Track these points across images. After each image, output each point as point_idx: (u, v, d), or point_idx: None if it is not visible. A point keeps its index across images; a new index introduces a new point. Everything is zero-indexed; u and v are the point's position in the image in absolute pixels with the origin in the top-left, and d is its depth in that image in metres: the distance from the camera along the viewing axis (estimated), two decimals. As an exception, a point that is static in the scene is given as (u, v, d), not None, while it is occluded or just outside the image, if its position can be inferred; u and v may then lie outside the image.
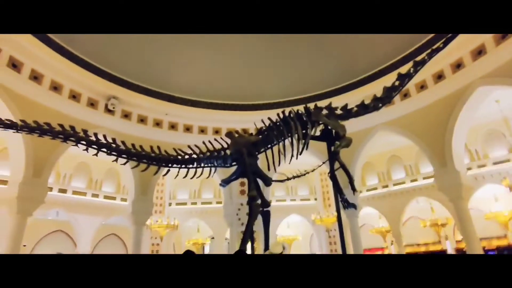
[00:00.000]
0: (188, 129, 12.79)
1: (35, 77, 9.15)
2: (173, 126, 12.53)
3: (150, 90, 12.04)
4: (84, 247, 14.76)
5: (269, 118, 5.23)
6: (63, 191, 14.09)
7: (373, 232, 16.03)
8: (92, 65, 10.49)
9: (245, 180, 4.83)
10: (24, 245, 9.11)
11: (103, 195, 15.45)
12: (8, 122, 4.28)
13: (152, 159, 4.80)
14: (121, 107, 11.25)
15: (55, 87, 9.64)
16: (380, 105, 5.64)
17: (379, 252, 16.76)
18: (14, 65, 8.63)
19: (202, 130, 12.90)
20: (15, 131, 4.26)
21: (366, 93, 10.32)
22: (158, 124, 12.27)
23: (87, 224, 14.78)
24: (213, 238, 17.78)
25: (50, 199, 10.28)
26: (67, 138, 4.32)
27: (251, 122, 10.71)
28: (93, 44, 10.38)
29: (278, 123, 5.13)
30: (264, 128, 5.23)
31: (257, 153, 5.13)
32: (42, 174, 9.10)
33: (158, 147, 4.82)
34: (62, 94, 9.83)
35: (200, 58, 12.36)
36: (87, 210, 14.59)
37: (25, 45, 8.55)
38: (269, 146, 5.18)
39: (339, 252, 13.86)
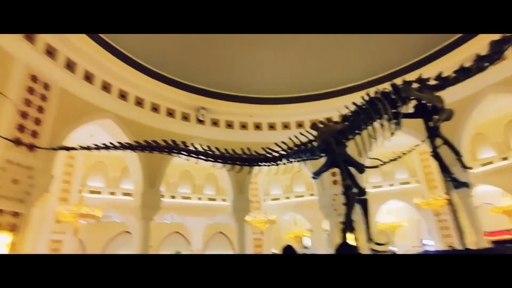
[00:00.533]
0: (272, 127, 13.13)
1: (138, 102, 10.72)
2: (258, 126, 13.03)
3: (232, 96, 12.78)
4: (196, 245, 16.58)
5: (353, 103, 5.00)
6: (173, 197, 16.06)
7: (495, 212, 13.60)
8: (181, 82, 11.69)
9: (337, 170, 4.73)
10: (151, 245, 10.83)
11: (206, 197, 17.06)
12: (126, 144, 5.14)
13: (245, 161, 5.10)
14: (209, 116, 12.26)
15: (155, 108, 11.09)
16: (487, 64, 4.83)
17: (506, 236, 14.18)
18: (123, 95, 10.24)
19: (286, 126, 13.07)
20: (131, 150, 5.13)
21: (459, 56, 8.95)
22: (244, 126, 12.92)
23: (196, 225, 16.56)
24: (311, 230, 17.86)
25: (164, 205, 11.85)
26: (171, 150, 4.95)
27: (333, 110, 10.39)
28: (176, 64, 11.54)
29: (364, 106, 4.87)
30: (349, 113, 5.02)
31: (345, 140, 4.96)
32: (155, 184, 10.58)
33: (248, 149, 5.09)
34: (160, 113, 11.24)
35: (271, 57, 12.54)
36: (194, 212, 16.32)
37: (127, 77, 10.10)
38: (357, 131, 4.95)
39: (454, 238, 12.33)
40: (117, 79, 10.02)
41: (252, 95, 13.06)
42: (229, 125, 12.79)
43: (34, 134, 7.49)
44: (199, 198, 16.90)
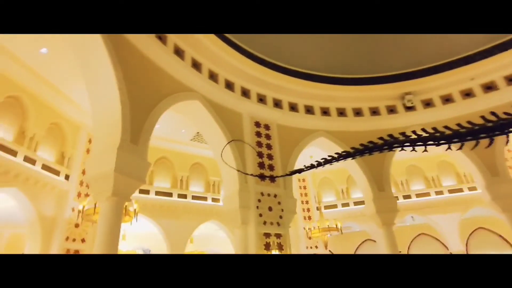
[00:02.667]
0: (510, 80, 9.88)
1: (341, 112, 10.95)
2: (489, 87, 10.16)
3: (439, 66, 10.74)
4: (455, 246, 14.14)
5: None
6: (407, 197, 14.76)
7: None
8: (369, 77, 11.07)
9: None
10: (400, 251, 10.22)
11: (446, 189, 14.60)
12: (344, 153, 5.17)
13: (491, 130, 3.93)
14: (418, 98, 10.77)
15: (357, 112, 10.97)
16: None
17: None
18: (293, 107, 10.81)
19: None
20: (351, 158, 5.09)
21: None
22: (467, 94, 10.42)
23: (445, 222, 14.27)
24: None
25: (400, 207, 11.02)
26: (391, 146, 4.52)
27: None
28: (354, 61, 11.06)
29: None
30: None
31: None
32: (384, 187, 10.11)
33: (494, 113, 3.89)
34: (364, 115, 10.97)
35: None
36: (438, 209, 14.21)
37: (309, 91, 10.62)
38: None
39: None
40: (316, 99, 10.76)
41: (463, 55, 10.49)
42: (447, 99, 10.67)
43: (271, 167, 9.04)
44: (439, 192, 14.65)
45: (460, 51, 10.46)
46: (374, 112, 11.05)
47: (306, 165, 6.00)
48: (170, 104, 7.25)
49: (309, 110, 10.69)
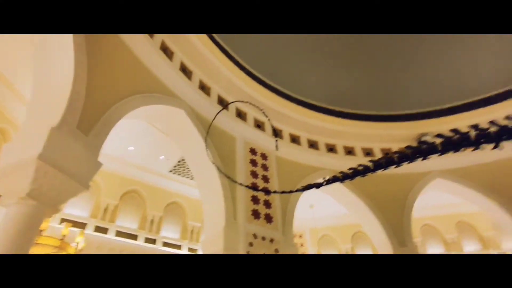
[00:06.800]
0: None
1: (349, 151, 9.48)
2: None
3: (455, 107, 9.75)
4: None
5: None
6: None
7: None
8: (387, 115, 9.91)
9: None
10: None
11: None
12: (362, 166, 3.57)
13: None
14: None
15: (368, 153, 9.51)
16: None
17: None
18: (294, 139, 9.33)
19: None
20: (382, 169, 3.47)
21: None
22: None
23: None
24: None
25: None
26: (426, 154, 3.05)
27: None
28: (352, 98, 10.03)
29: None
30: None
31: None
32: (406, 242, 8.12)
33: None
34: (374, 155, 9.47)
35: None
36: None
37: (329, 127, 9.27)
38: None
39: None
40: (321, 133, 9.37)
41: (482, 96, 9.60)
42: (469, 144, 9.38)
43: (267, 204, 7.13)
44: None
45: (479, 91, 9.57)
46: (387, 154, 9.58)
47: (327, 178, 4.17)
48: (145, 103, 5.67)
49: (313, 145, 9.21)
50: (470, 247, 12.13)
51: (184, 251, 10.65)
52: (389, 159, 3.73)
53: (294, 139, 9.00)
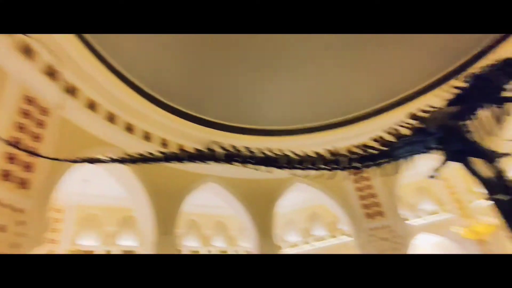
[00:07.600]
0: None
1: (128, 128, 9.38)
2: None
3: (244, 129, 11.73)
4: None
5: (464, 79, 4.01)
6: None
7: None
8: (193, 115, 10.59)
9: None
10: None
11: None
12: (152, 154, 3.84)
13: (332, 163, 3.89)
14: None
15: (164, 144, 9.77)
16: None
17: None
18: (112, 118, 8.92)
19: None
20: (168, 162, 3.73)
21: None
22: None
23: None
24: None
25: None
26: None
27: (362, 135, 9.61)
28: (188, 95, 10.54)
29: (478, 81, 3.88)
30: (458, 94, 3.99)
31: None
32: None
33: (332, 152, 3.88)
34: (169, 147, 9.88)
35: (284, 87, 11.94)
36: None
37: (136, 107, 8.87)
38: (474, 112, 3.90)
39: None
40: (124, 110, 8.80)
41: (264, 127, 12.10)
42: (244, 160, 11.48)
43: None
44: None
45: (260, 121, 11.96)
46: (182, 149, 10.18)
47: (114, 157, 4.06)
48: None
49: (111, 118, 8.48)
50: (221, 244, 14.58)
51: None
52: (177, 156, 4.00)
53: (92, 105, 7.97)
